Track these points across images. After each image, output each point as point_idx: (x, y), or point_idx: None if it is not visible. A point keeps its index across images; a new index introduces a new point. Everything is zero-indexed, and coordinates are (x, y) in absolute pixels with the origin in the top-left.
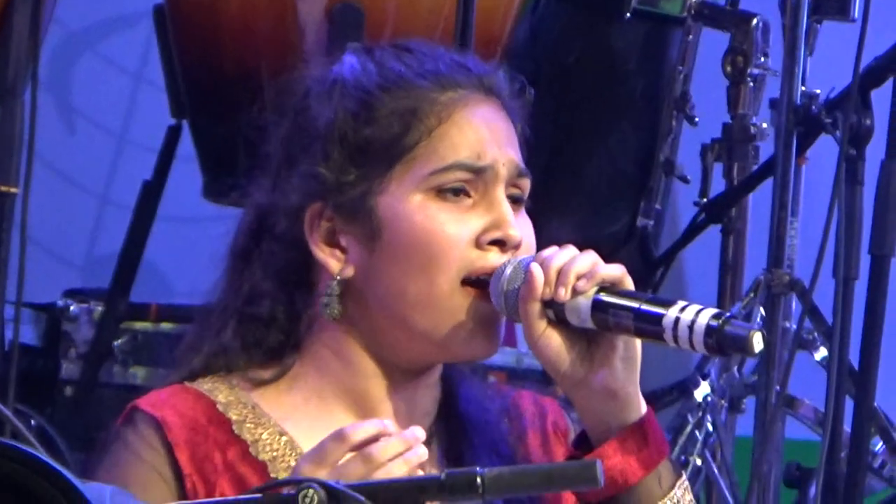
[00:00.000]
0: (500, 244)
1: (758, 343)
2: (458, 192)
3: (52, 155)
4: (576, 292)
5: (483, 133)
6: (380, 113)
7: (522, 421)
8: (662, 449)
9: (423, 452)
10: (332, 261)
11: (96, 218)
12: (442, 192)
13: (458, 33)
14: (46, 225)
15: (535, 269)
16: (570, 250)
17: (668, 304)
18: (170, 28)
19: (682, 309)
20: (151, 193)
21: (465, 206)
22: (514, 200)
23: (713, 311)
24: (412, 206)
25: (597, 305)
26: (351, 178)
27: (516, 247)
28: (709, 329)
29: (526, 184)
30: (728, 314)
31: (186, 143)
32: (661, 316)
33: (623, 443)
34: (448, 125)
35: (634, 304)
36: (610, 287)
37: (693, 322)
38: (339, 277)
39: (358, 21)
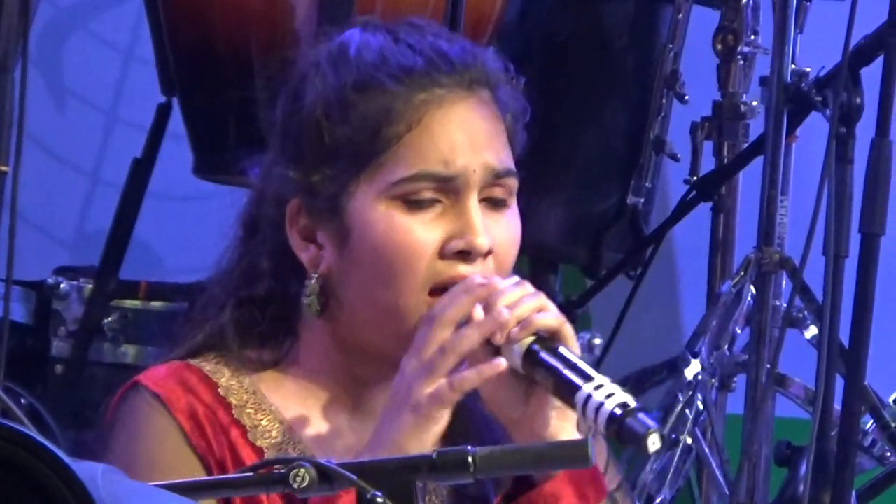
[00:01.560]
0: (466, 255)
1: (653, 444)
2: (426, 200)
3: (42, 132)
4: (510, 339)
5: (455, 138)
6: (353, 114)
7: None
8: (603, 487)
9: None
10: (307, 256)
11: (86, 195)
12: (408, 202)
13: (449, 11)
14: (36, 203)
15: (477, 311)
16: (521, 290)
17: (587, 377)
18: (160, 5)
19: (598, 387)
20: (141, 171)
21: (433, 214)
22: (495, 203)
23: (623, 398)
24: (377, 214)
25: (527, 356)
26: (323, 178)
27: (485, 255)
28: (612, 416)
29: (510, 183)
30: (636, 406)
31: (176, 121)
32: (577, 388)
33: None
34: (419, 130)
35: (558, 367)
36: (546, 339)
37: (601, 405)
38: (314, 274)
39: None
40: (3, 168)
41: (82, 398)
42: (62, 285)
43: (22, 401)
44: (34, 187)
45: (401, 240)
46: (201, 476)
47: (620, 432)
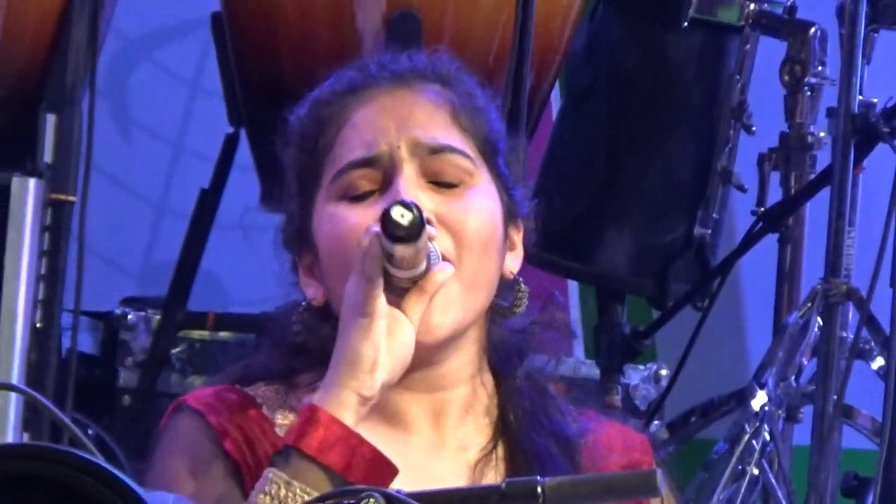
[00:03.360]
0: None
1: (398, 215)
2: (362, 193)
3: (109, 163)
4: None
5: (377, 122)
6: (302, 140)
7: (599, 450)
8: None
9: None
10: (309, 291)
11: (153, 226)
12: (348, 197)
13: (517, 41)
14: (103, 233)
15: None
16: None
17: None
18: (227, 35)
19: None
20: (209, 201)
21: (371, 200)
22: (447, 185)
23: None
24: (324, 216)
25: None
26: (297, 206)
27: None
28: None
29: (458, 161)
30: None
31: (243, 152)
32: None
33: None
34: (346, 129)
35: None
36: None
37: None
38: (304, 303)
39: (415, 28)
40: (71, 198)
41: (149, 429)
42: (129, 316)
43: (89, 431)
44: (101, 218)
45: (340, 230)
46: (235, 483)
47: (383, 222)
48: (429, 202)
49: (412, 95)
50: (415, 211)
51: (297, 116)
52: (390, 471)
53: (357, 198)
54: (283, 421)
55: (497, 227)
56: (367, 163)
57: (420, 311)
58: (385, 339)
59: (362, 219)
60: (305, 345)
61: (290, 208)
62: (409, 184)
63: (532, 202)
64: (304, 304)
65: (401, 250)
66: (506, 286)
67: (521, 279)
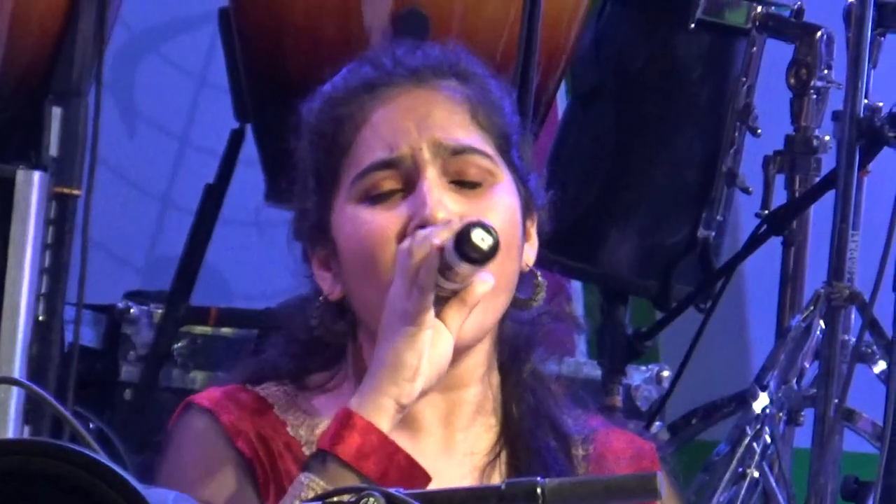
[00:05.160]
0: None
1: (479, 238)
2: (385, 193)
3: (115, 157)
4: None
5: (398, 124)
6: (318, 137)
7: (608, 458)
8: None
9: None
10: (324, 284)
11: (157, 220)
12: (370, 197)
13: (524, 40)
14: (108, 227)
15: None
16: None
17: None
18: (234, 30)
19: None
20: (214, 196)
21: (394, 202)
22: (469, 185)
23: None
24: (345, 217)
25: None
26: (315, 204)
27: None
28: (458, 232)
29: (479, 162)
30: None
31: (249, 147)
32: None
33: None
34: (365, 129)
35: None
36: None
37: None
38: (321, 298)
39: (423, 26)
40: (76, 192)
41: (151, 423)
42: (132, 310)
43: (91, 425)
44: (106, 211)
45: (364, 232)
46: (248, 482)
47: (458, 243)
48: (453, 205)
49: (430, 93)
50: (494, 235)
51: (310, 110)
52: (424, 478)
53: (378, 197)
54: (296, 421)
55: (517, 224)
56: (388, 164)
57: (459, 322)
58: (429, 349)
59: (387, 221)
60: (320, 340)
61: (305, 203)
62: (433, 186)
63: (547, 192)
64: (321, 298)
65: (466, 269)
66: (523, 278)
67: (537, 271)
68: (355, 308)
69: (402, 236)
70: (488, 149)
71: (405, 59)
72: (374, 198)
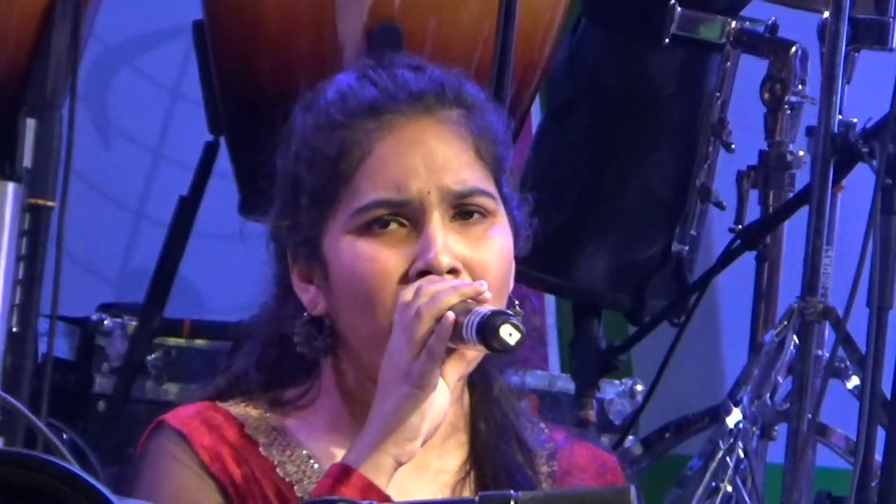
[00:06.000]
0: (428, 275)
1: (508, 334)
2: (386, 223)
3: (88, 169)
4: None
5: (407, 162)
6: (314, 156)
7: (573, 471)
8: None
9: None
10: (307, 298)
11: (131, 233)
12: (371, 230)
13: (497, 55)
14: (81, 239)
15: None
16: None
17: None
18: (209, 44)
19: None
20: (188, 209)
21: (396, 238)
22: (469, 214)
23: (500, 310)
24: (343, 246)
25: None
26: (299, 223)
27: (452, 273)
28: (480, 319)
29: (481, 202)
30: (507, 312)
31: (223, 160)
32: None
33: None
34: (371, 159)
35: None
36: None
37: (479, 315)
38: (306, 314)
39: (397, 41)
40: (50, 204)
41: (124, 435)
42: (106, 322)
43: (64, 436)
44: (80, 224)
45: (367, 268)
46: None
47: (483, 329)
48: (457, 247)
49: (436, 126)
50: (522, 330)
51: (305, 124)
52: None
53: (379, 230)
54: (268, 441)
55: (511, 263)
56: (395, 205)
57: (457, 376)
58: (430, 408)
59: (389, 261)
60: (291, 352)
61: (296, 217)
62: (438, 230)
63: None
64: (305, 314)
65: (480, 348)
66: None
67: (514, 299)
68: (340, 330)
69: (404, 277)
70: (490, 187)
71: (408, 82)
72: (374, 230)
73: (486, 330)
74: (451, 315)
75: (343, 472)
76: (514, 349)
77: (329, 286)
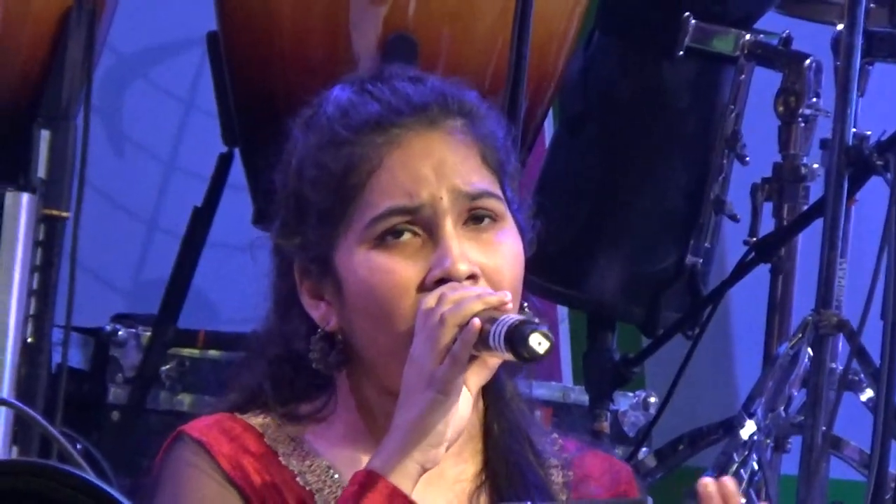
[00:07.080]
0: (446, 283)
1: (538, 343)
2: (400, 233)
3: (102, 180)
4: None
5: (416, 171)
6: (320, 173)
7: (587, 482)
8: None
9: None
10: (317, 314)
11: (145, 243)
12: (385, 241)
13: (512, 67)
14: (95, 250)
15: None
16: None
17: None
18: (222, 55)
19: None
20: (202, 220)
21: (412, 248)
22: (480, 219)
23: (528, 318)
24: (358, 259)
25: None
26: (308, 239)
27: (470, 279)
28: (508, 327)
29: (491, 205)
30: (534, 320)
31: (237, 171)
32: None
33: None
34: (380, 171)
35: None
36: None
37: (507, 323)
38: (320, 330)
39: (411, 52)
40: (64, 214)
41: (138, 445)
42: (120, 332)
43: (78, 446)
44: (93, 234)
45: (383, 280)
46: None
47: (512, 338)
48: (472, 253)
49: (443, 137)
50: (551, 339)
51: (308, 144)
52: None
53: (394, 240)
54: (287, 451)
55: (522, 265)
56: (408, 212)
57: (480, 383)
58: (454, 414)
59: (407, 272)
60: (305, 367)
61: (306, 235)
62: (453, 237)
63: (533, 220)
64: (320, 331)
65: (507, 355)
66: None
67: (524, 303)
68: (355, 344)
69: (421, 287)
70: (497, 190)
71: (410, 94)
72: (388, 241)
73: (516, 338)
74: (477, 322)
75: (369, 479)
76: (543, 358)
77: (342, 301)
